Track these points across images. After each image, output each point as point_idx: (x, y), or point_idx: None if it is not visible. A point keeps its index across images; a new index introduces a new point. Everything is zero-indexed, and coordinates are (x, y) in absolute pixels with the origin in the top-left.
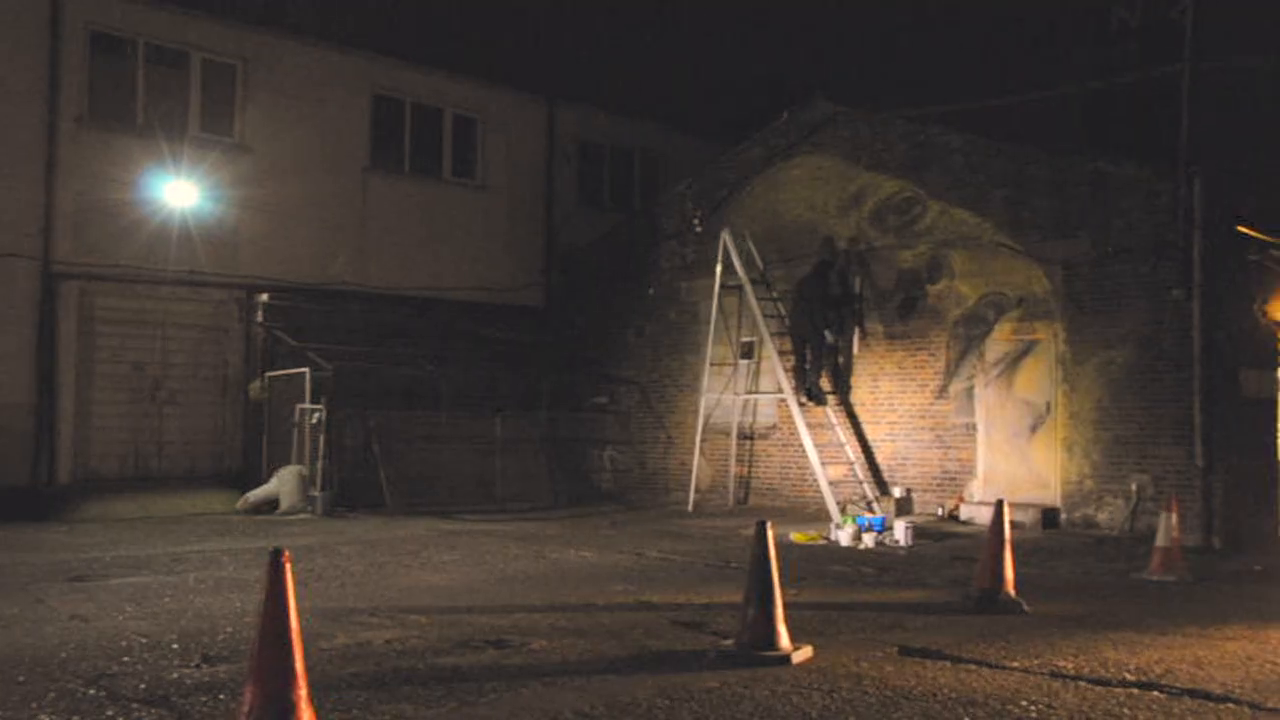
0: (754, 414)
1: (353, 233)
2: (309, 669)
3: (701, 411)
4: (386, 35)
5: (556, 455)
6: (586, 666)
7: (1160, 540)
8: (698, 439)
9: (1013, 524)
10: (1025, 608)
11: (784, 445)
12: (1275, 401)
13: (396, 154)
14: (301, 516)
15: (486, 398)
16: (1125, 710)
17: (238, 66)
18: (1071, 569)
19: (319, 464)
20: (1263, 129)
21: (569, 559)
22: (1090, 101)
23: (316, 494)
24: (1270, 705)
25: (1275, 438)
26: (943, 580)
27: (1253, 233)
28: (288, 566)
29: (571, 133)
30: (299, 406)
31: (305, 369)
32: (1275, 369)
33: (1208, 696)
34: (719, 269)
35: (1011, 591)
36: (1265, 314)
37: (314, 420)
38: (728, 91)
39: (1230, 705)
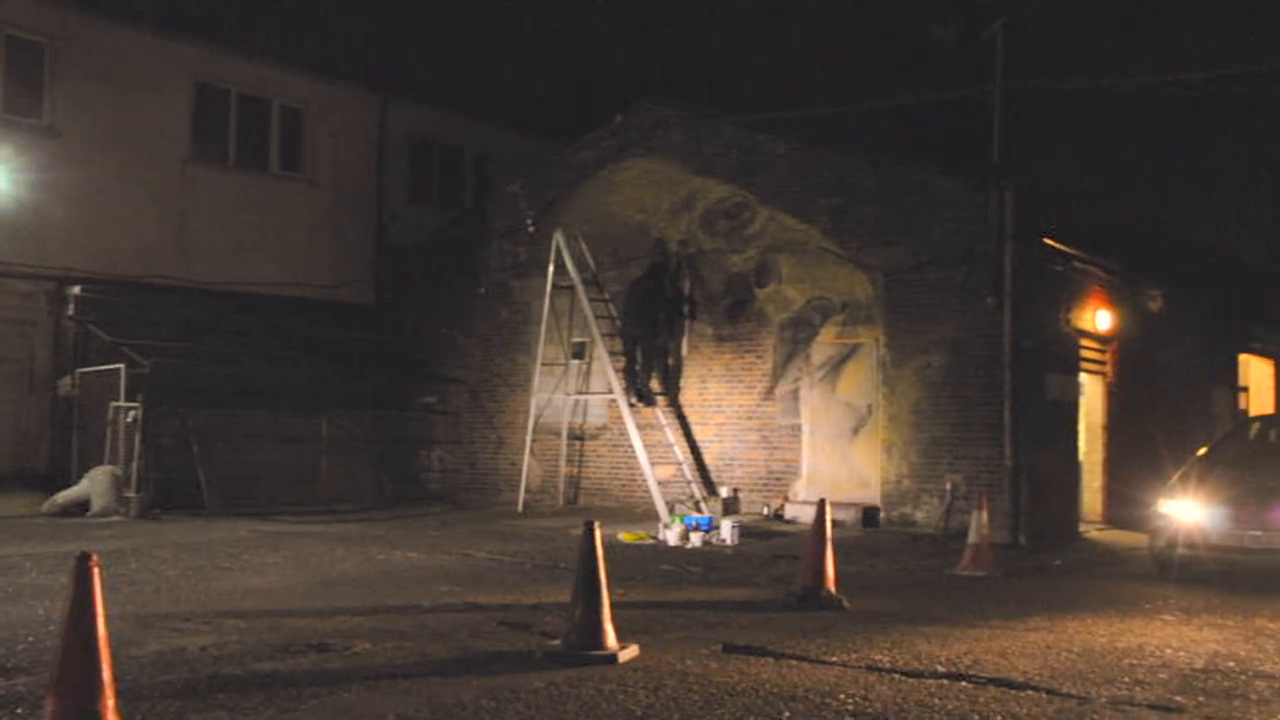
0: (584, 414)
1: (173, 225)
2: (117, 678)
3: (532, 412)
4: (211, 21)
5: (384, 456)
6: (411, 669)
7: (971, 537)
8: (528, 439)
9: (834, 523)
10: (845, 604)
11: (614, 445)
12: (1076, 404)
13: (220, 145)
14: (115, 519)
15: (313, 397)
16: (936, 700)
17: (44, 45)
18: (889, 566)
19: (134, 464)
20: (1070, 148)
21: (395, 560)
22: (916, 114)
23: (131, 495)
24: (1065, 690)
25: (1076, 439)
26: (767, 578)
27: (1058, 245)
28: (95, 570)
29: (403, 129)
30: (113, 405)
31: (120, 365)
32: (1077, 374)
33: (1010, 685)
34: (551, 269)
35: (832, 589)
36: (1069, 322)
37: (129, 419)
38: (563, 93)
39: (1030, 692)
